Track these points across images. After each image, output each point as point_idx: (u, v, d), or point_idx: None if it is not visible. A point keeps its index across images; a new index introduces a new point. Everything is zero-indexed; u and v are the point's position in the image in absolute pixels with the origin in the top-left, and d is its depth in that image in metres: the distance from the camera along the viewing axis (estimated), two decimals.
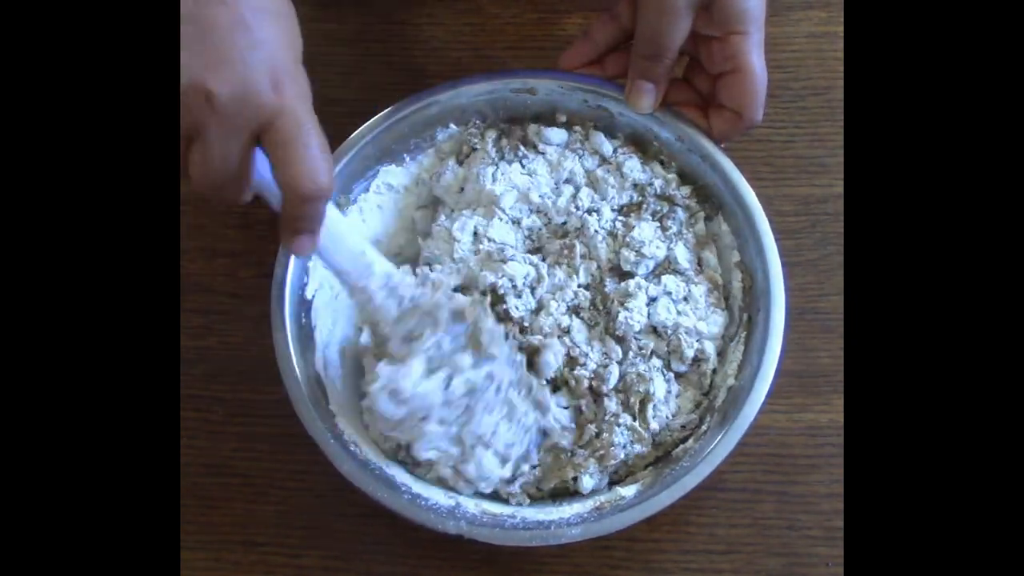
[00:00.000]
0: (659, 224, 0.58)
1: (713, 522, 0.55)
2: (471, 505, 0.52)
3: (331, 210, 0.49)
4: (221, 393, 0.60)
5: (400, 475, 0.52)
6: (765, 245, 0.55)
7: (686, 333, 0.55)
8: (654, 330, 0.55)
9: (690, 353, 0.54)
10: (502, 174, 0.59)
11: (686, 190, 0.59)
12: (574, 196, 0.59)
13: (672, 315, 0.55)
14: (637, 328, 0.55)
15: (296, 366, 0.53)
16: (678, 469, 0.51)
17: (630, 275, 0.56)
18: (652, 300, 0.56)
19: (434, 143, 0.61)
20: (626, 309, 0.55)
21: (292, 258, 0.55)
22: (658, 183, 0.58)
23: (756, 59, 0.54)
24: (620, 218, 0.58)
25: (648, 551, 0.55)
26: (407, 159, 0.61)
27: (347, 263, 0.52)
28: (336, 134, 0.56)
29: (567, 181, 0.59)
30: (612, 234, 0.57)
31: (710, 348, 0.55)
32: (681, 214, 0.58)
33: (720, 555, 0.55)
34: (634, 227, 0.57)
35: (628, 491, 0.52)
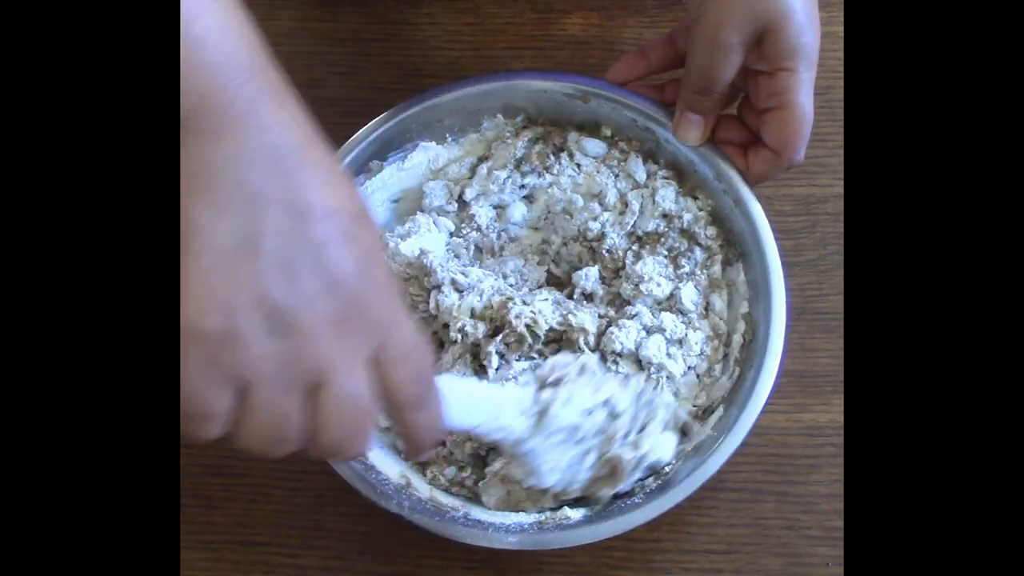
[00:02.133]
0: (672, 261, 0.57)
1: (713, 522, 0.56)
2: (424, 489, 0.52)
3: (447, 382, 0.45)
4: None
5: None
6: (774, 303, 0.53)
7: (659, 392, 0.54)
8: (638, 361, 0.54)
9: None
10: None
11: (713, 231, 0.57)
12: (595, 216, 0.58)
13: (660, 355, 0.54)
14: (619, 348, 0.54)
15: None
16: (678, 470, 0.51)
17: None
18: (647, 331, 0.55)
19: (479, 129, 0.61)
20: (618, 327, 0.54)
21: None
22: (687, 217, 0.57)
23: (804, 98, 0.52)
24: (632, 247, 0.57)
25: (648, 551, 0.55)
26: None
27: (480, 420, 0.48)
28: (335, 134, 0.55)
29: (595, 195, 0.59)
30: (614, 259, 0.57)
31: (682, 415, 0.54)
32: (699, 254, 0.57)
33: (720, 555, 0.55)
34: (640, 259, 0.56)
35: (529, 519, 0.52)
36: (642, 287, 0.55)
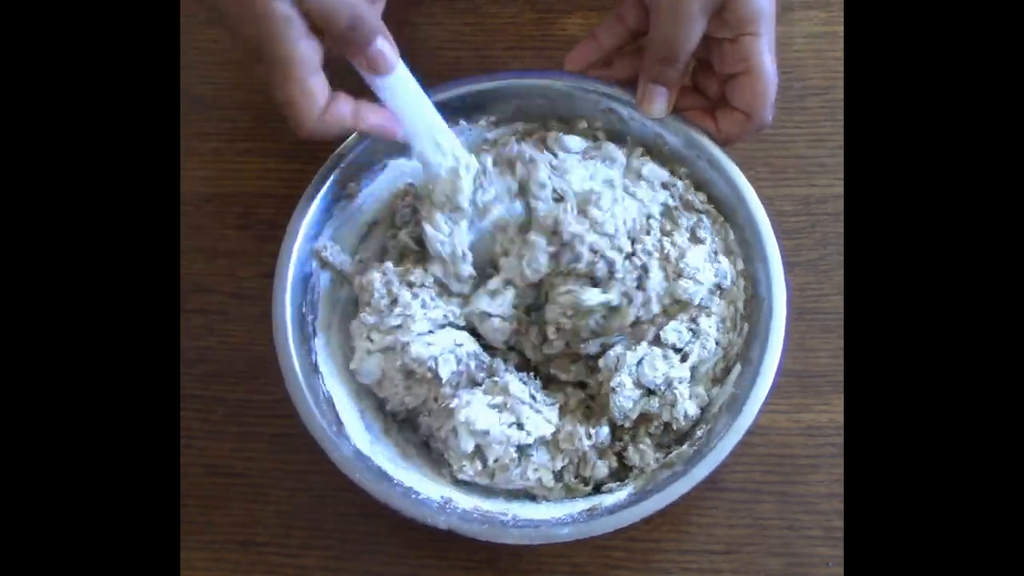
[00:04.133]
0: (691, 236, 0.56)
1: (713, 522, 0.55)
2: (463, 501, 0.52)
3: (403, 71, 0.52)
4: (221, 393, 0.60)
5: (397, 471, 0.53)
6: (768, 253, 0.54)
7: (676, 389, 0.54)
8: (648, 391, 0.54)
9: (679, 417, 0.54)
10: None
11: (703, 195, 0.58)
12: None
13: (710, 328, 0.54)
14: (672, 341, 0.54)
15: (296, 366, 0.53)
16: (678, 469, 0.51)
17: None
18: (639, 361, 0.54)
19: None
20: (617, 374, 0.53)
21: (292, 258, 0.55)
22: (680, 184, 0.58)
23: (767, 59, 0.54)
24: (665, 239, 0.56)
25: (648, 551, 0.55)
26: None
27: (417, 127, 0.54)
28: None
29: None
30: (665, 258, 0.55)
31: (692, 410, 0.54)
32: (707, 220, 0.57)
33: (720, 555, 0.55)
34: (687, 251, 0.55)
35: (577, 508, 0.52)
36: (700, 276, 0.55)
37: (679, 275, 0.55)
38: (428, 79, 0.61)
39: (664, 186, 0.58)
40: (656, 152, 0.59)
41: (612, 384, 0.53)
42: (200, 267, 0.63)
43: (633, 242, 0.55)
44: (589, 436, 0.53)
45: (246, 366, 0.60)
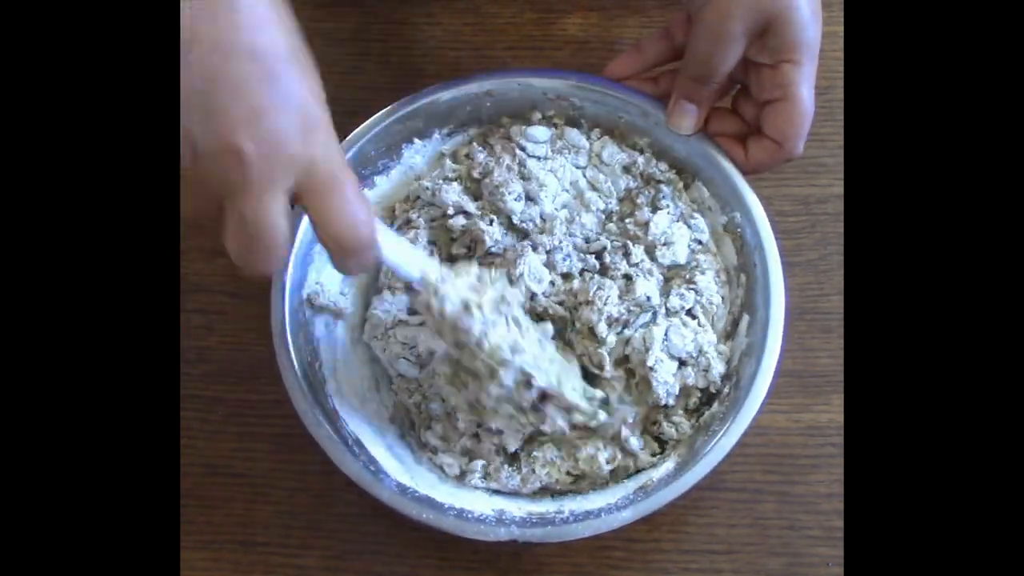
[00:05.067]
0: (652, 208, 0.58)
1: (713, 522, 0.56)
2: (514, 509, 0.52)
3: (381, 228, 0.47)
4: (221, 393, 0.60)
5: (442, 495, 0.52)
6: (748, 201, 0.55)
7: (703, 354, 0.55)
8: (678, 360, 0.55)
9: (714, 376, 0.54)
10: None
11: (664, 165, 0.59)
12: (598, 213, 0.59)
13: (711, 285, 0.56)
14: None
15: (296, 366, 0.53)
16: (715, 428, 0.51)
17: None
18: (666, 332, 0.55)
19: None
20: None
21: (292, 258, 0.55)
22: (640, 160, 0.59)
23: (805, 89, 0.53)
24: (626, 221, 0.58)
25: (648, 551, 0.55)
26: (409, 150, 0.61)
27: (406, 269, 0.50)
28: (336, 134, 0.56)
29: (567, 191, 0.59)
30: (634, 238, 0.57)
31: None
32: (666, 189, 0.58)
33: (720, 555, 0.55)
34: (649, 222, 0.57)
35: (628, 490, 0.52)
36: (671, 240, 0.56)
37: (654, 246, 0.56)
38: (428, 79, 0.61)
39: (626, 169, 0.59)
40: (616, 131, 0.60)
41: (649, 363, 0.53)
42: (200, 267, 0.63)
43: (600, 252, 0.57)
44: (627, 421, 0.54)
45: (246, 366, 0.60)
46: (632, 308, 0.55)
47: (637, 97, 0.58)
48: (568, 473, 0.54)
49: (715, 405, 0.54)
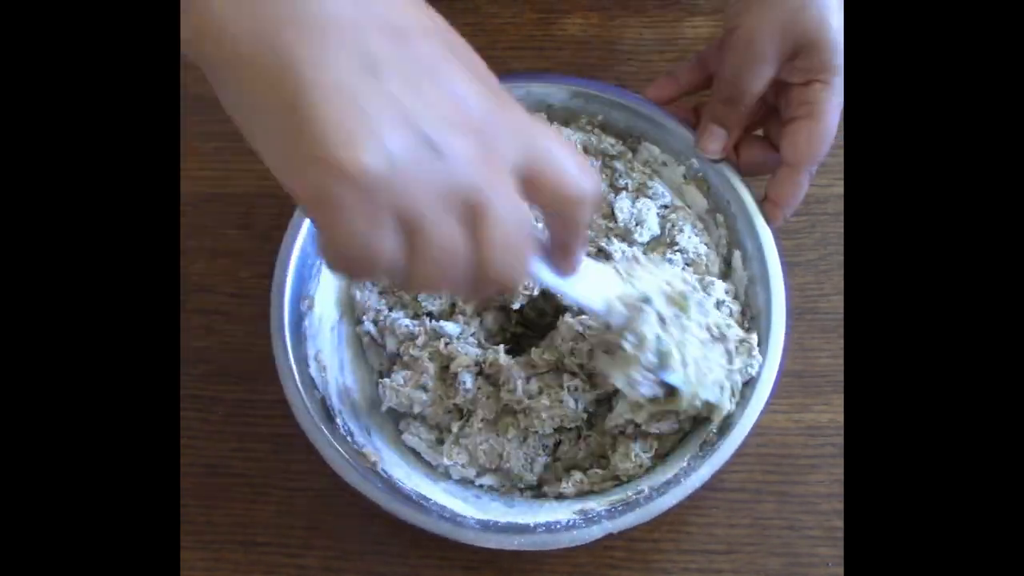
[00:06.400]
0: (610, 185, 0.59)
1: (713, 522, 0.56)
2: (593, 505, 0.52)
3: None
4: (221, 393, 0.60)
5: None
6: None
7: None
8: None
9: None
10: None
11: (611, 139, 0.60)
12: None
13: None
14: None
15: (294, 366, 0.53)
16: (678, 469, 0.51)
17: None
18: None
19: None
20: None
21: (292, 258, 0.55)
22: (592, 139, 0.59)
23: (832, 112, 0.52)
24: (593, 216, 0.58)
25: (648, 551, 0.55)
26: None
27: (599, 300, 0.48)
28: None
29: None
30: (608, 233, 0.58)
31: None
32: (620, 166, 0.59)
33: (720, 555, 0.55)
34: (613, 204, 0.58)
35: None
36: (642, 227, 0.57)
37: (627, 231, 0.57)
38: None
39: (583, 148, 0.60)
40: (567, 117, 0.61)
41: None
42: (200, 267, 0.63)
43: None
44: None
45: (246, 366, 0.60)
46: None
47: (566, 80, 0.59)
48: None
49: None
